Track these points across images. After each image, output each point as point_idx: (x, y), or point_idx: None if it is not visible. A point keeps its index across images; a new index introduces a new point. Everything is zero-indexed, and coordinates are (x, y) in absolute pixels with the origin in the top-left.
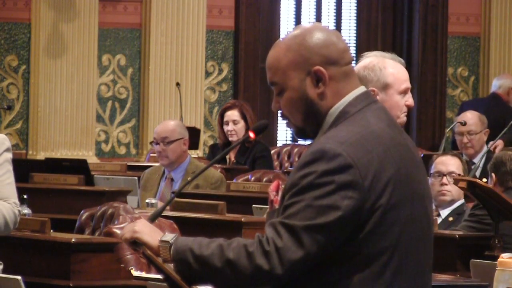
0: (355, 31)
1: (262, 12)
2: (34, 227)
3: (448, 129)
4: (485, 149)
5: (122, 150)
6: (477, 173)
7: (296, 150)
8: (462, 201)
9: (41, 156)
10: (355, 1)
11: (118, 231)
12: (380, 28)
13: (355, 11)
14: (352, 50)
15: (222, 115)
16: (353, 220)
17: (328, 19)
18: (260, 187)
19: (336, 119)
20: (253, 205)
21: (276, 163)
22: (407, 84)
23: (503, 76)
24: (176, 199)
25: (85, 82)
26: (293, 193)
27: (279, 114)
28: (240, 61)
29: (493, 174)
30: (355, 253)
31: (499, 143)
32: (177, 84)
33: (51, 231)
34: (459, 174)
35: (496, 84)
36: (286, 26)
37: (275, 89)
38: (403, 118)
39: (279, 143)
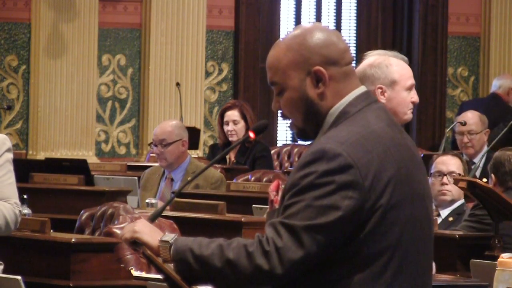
0: (355, 31)
1: (262, 12)
2: (34, 227)
3: (448, 129)
4: (485, 149)
5: (122, 150)
6: (477, 173)
7: (296, 150)
8: (462, 201)
9: (41, 156)
10: (355, 1)
11: (118, 231)
12: (380, 28)
13: (355, 11)
14: (352, 50)
15: (222, 115)
16: (354, 220)
17: (328, 19)
18: (260, 187)
19: (336, 119)
20: (253, 205)
21: (276, 163)
22: (412, 81)
23: (503, 76)
24: (176, 199)
25: (85, 82)
26: (293, 193)
27: (279, 114)
28: (240, 61)
29: (492, 175)
30: (356, 253)
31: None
32: (177, 84)
33: (51, 231)
34: (459, 174)
35: (496, 84)
36: (286, 26)
37: (275, 89)
38: (409, 114)
39: (279, 143)
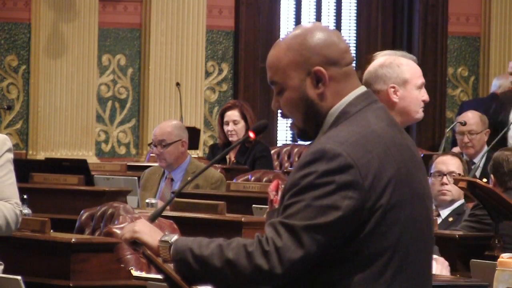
0: (355, 31)
1: (262, 12)
2: (34, 227)
3: (448, 129)
4: (485, 149)
5: (122, 150)
6: (477, 173)
7: (296, 150)
8: (462, 201)
9: (41, 156)
10: (355, 1)
11: (118, 231)
12: (380, 28)
13: (355, 11)
14: (352, 50)
15: (222, 115)
16: (353, 220)
17: (328, 19)
18: (260, 187)
19: (336, 119)
20: (253, 205)
21: (276, 163)
22: (422, 79)
23: (503, 76)
24: (176, 199)
25: (85, 82)
26: (293, 193)
27: (279, 114)
28: (240, 61)
29: (492, 175)
30: (356, 253)
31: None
32: (177, 84)
33: (51, 231)
34: (459, 174)
35: (496, 84)
36: (286, 26)
37: (275, 89)
38: (421, 113)
39: (279, 143)
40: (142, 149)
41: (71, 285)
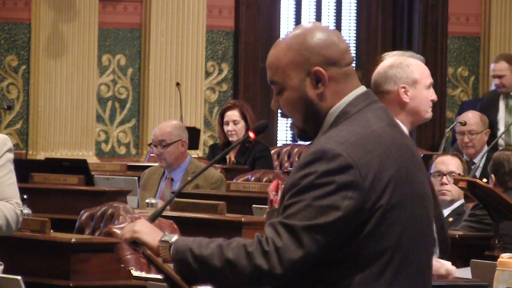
0: (355, 31)
1: (262, 12)
2: (34, 227)
3: (448, 129)
4: (485, 149)
5: (122, 150)
6: (477, 173)
7: (296, 150)
8: (462, 201)
9: (41, 156)
10: (355, 1)
11: (118, 231)
12: (380, 28)
13: (355, 11)
14: (352, 50)
15: (222, 115)
16: (353, 221)
17: (328, 19)
18: (260, 187)
19: (336, 119)
20: (253, 205)
21: (276, 163)
22: (431, 79)
23: None
24: (176, 199)
25: (85, 82)
26: (293, 193)
27: (279, 113)
28: (240, 61)
29: (492, 175)
30: (356, 253)
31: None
32: (177, 84)
33: (51, 231)
34: (459, 174)
35: None
36: (286, 26)
37: (274, 88)
38: (430, 112)
39: (279, 143)
40: (142, 149)
41: (71, 285)
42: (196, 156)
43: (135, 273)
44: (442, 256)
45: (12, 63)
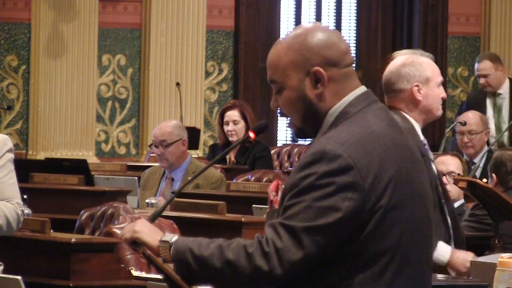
0: (355, 31)
1: (262, 12)
2: (34, 227)
3: (448, 129)
4: (485, 149)
5: (122, 150)
6: (477, 173)
7: (296, 150)
8: (462, 201)
9: (41, 156)
10: (355, 1)
11: (118, 231)
12: (380, 28)
13: (355, 11)
14: (352, 50)
15: (222, 115)
16: (354, 222)
17: (328, 19)
18: (260, 187)
19: (336, 119)
20: (253, 205)
21: (276, 163)
22: (441, 77)
23: None
24: (176, 199)
25: (85, 82)
26: (293, 194)
27: (278, 113)
28: (240, 61)
29: (493, 175)
30: (356, 254)
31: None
32: (177, 84)
33: (51, 231)
34: (458, 174)
35: None
36: (286, 26)
37: (274, 87)
38: (441, 110)
39: (279, 143)
40: (142, 149)
41: (71, 285)
42: (196, 156)
43: (135, 273)
44: None
45: (12, 63)
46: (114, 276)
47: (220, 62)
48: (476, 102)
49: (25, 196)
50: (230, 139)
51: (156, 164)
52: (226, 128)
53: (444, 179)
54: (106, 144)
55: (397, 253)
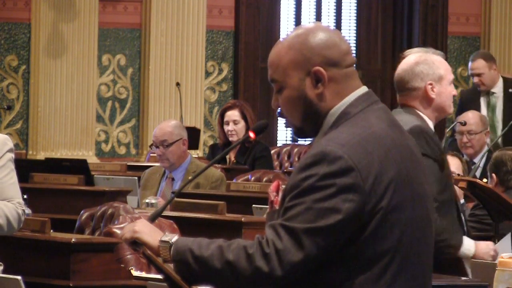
0: (355, 31)
1: (262, 12)
2: (34, 227)
3: (448, 129)
4: (485, 149)
5: (122, 150)
6: (477, 173)
7: (296, 150)
8: (462, 201)
9: (41, 156)
10: (355, 1)
11: (118, 231)
12: (380, 28)
13: (355, 11)
14: (352, 50)
15: (222, 115)
16: (354, 223)
17: (328, 19)
18: (260, 187)
19: (337, 119)
20: (253, 205)
21: (276, 163)
22: (453, 75)
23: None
24: (176, 199)
25: (85, 82)
26: (294, 195)
27: (277, 113)
28: (240, 61)
29: (493, 175)
30: (356, 255)
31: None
32: (177, 84)
33: (51, 231)
34: (458, 174)
35: None
36: (286, 26)
37: (275, 87)
38: (452, 107)
39: (279, 143)
40: (142, 149)
41: (71, 285)
42: (196, 156)
43: (135, 273)
44: None
45: (12, 63)
46: (114, 276)
47: (220, 62)
48: (470, 101)
49: (25, 196)
50: (230, 139)
51: (156, 164)
52: (226, 128)
53: None
54: (106, 144)
55: (398, 254)
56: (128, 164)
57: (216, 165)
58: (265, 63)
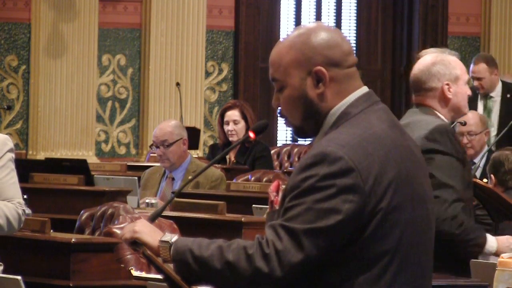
0: (355, 31)
1: (262, 12)
2: (34, 227)
3: None
4: (485, 149)
5: (122, 150)
6: (477, 173)
7: (296, 150)
8: None
9: (41, 156)
10: (355, 1)
11: (118, 231)
12: (380, 28)
13: (355, 11)
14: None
15: (222, 115)
16: (354, 224)
17: (328, 19)
18: (260, 187)
19: (337, 119)
20: (253, 205)
21: (276, 163)
22: (467, 75)
23: (503, 76)
24: (176, 199)
25: (85, 82)
26: (294, 195)
27: (277, 113)
28: (240, 61)
29: (492, 176)
30: (356, 255)
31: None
32: (177, 84)
33: (51, 231)
34: None
35: None
36: (286, 26)
37: (275, 85)
38: (468, 107)
39: (279, 143)
40: (142, 149)
41: (71, 285)
42: (196, 156)
43: (135, 273)
44: None
45: (12, 63)
46: (114, 276)
47: (220, 62)
48: (468, 104)
49: (25, 196)
50: (230, 139)
51: (156, 164)
52: (226, 127)
53: None
54: (106, 144)
55: (397, 254)
56: (128, 164)
57: (216, 165)
58: (265, 63)
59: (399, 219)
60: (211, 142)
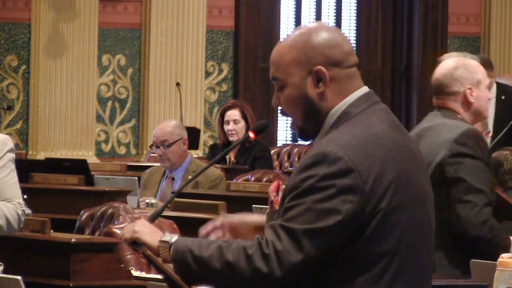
0: (355, 31)
1: (262, 12)
2: (34, 227)
3: None
4: None
5: (122, 150)
6: None
7: (296, 150)
8: None
9: (41, 156)
10: (355, 1)
11: (118, 231)
12: (380, 28)
13: (355, 11)
14: None
15: (222, 115)
16: (354, 224)
17: (328, 19)
18: (260, 187)
19: (337, 119)
20: (253, 205)
21: (276, 163)
22: (488, 79)
23: (503, 76)
24: (176, 199)
25: (85, 82)
26: (294, 195)
27: (278, 111)
28: (240, 61)
29: None
30: (356, 256)
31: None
32: (177, 84)
33: (51, 231)
34: None
35: None
36: (286, 26)
37: (276, 85)
38: (488, 111)
39: (279, 143)
40: (142, 149)
41: (71, 285)
42: (196, 156)
43: (135, 273)
44: None
45: (12, 63)
46: (114, 276)
47: (220, 62)
48: None
49: (25, 196)
50: (230, 138)
51: (157, 164)
52: (226, 127)
53: None
54: (106, 144)
55: (397, 255)
56: (128, 164)
57: (216, 165)
58: (265, 63)
59: (399, 220)
60: (211, 142)
